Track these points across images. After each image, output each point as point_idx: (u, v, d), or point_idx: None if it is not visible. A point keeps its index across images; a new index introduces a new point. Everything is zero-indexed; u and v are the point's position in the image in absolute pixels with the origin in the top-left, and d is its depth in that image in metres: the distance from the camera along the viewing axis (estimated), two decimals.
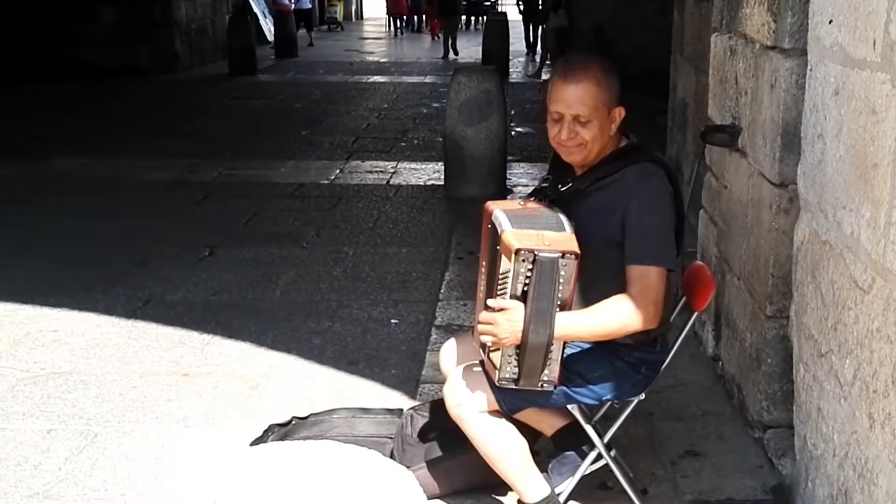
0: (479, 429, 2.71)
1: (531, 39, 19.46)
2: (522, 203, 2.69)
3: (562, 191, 2.69)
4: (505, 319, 2.47)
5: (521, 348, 2.49)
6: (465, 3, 29.93)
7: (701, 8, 5.42)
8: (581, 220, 2.58)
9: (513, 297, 2.48)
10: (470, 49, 20.29)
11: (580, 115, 2.57)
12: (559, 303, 2.46)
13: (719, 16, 4.05)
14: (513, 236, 2.45)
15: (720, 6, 4.03)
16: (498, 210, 2.61)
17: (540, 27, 17.57)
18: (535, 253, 2.41)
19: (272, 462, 2.11)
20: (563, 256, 2.42)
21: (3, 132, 10.20)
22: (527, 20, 19.55)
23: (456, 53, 20.44)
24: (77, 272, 5.48)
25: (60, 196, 7.37)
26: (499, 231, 2.51)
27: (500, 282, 2.51)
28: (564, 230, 2.51)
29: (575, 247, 2.45)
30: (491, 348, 2.58)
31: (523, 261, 2.42)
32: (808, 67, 2.78)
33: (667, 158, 4.80)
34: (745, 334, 3.55)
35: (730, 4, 3.85)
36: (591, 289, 2.55)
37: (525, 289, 2.45)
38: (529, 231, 2.47)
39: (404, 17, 29.29)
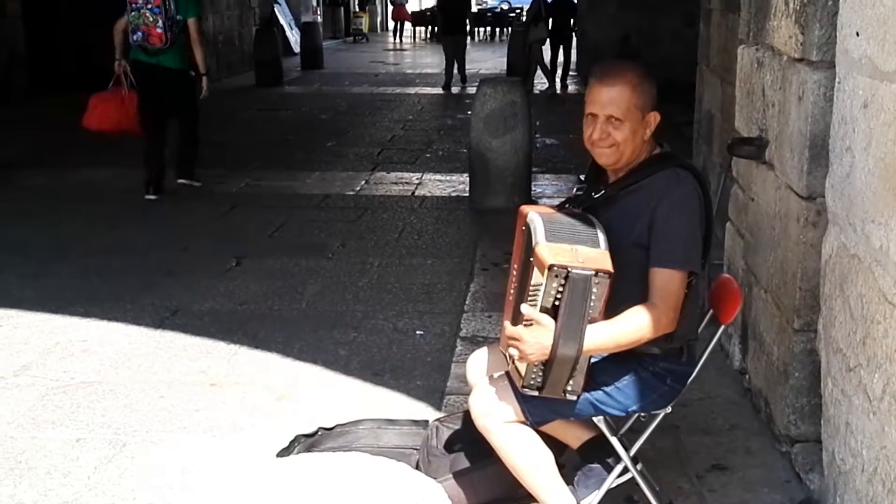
0: (504, 439, 2.71)
1: (556, 63, 17.01)
2: (557, 208, 2.69)
3: (595, 198, 2.71)
4: (532, 336, 2.47)
5: (547, 362, 2.49)
6: (488, 14, 30.07)
7: (728, 20, 5.41)
8: (610, 223, 2.60)
9: (543, 309, 2.48)
10: (495, 60, 20.23)
11: (613, 115, 2.61)
12: (589, 319, 2.46)
13: (746, 28, 4.04)
14: (547, 250, 2.45)
15: (747, 18, 4.03)
16: (533, 214, 2.62)
17: (561, 46, 16.56)
18: (569, 270, 2.41)
19: (302, 474, 2.12)
20: (596, 275, 2.42)
21: (33, 142, 10.34)
22: (554, 41, 16.83)
23: (464, 81, 16.41)
24: (105, 282, 5.54)
25: (89, 206, 7.45)
26: (533, 242, 2.51)
27: (530, 293, 2.50)
28: (599, 246, 2.51)
29: (609, 265, 2.44)
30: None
31: (556, 276, 2.42)
32: (837, 80, 2.76)
33: None
34: (772, 348, 3.53)
35: (757, 16, 3.84)
36: (617, 291, 2.55)
37: (556, 303, 2.45)
38: (563, 245, 2.47)
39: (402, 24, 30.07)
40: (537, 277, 2.47)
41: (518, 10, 30.45)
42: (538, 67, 15.90)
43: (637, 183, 2.66)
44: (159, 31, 7.14)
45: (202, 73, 7.62)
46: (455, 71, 16.27)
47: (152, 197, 7.49)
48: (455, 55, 16.22)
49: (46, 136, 10.78)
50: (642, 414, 2.82)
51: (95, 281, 5.56)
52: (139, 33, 7.20)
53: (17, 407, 3.90)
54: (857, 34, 2.54)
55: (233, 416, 3.85)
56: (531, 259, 2.50)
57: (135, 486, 3.30)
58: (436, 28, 17.24)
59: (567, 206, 2.78)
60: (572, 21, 16.21)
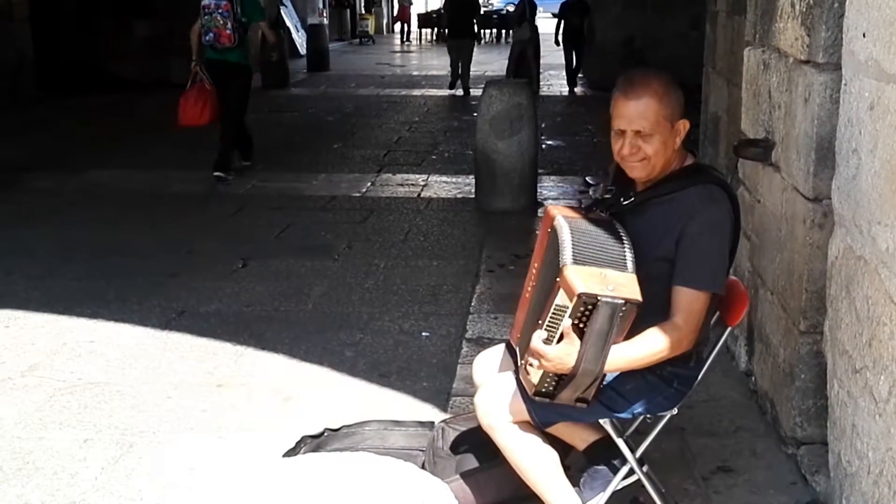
0: (509, 438, 2.72)
1: (573, 65, 16.26)
2: (584, 212, 2.68)
3: (624, 204, 2.69)
4: (555, 354, 2.46)
5: (565, 377, 2.49)
6: (495, 16, 30.08)
7: (734, 22, 5.41)
8: (637, 232, 2.58)
9: (565, 329, 2.46)
10: (500, 62, 20.22)
11: (641, 130, 2.57)
12: (612, 342, 2.45)
13: (752, 30, 4.04)
14: (576, 276, 2.42)
15: (753, 20, 4.03)
16: (561, 219, 2.59)
17: (575, 51, 15.90)
18: (598, 298, 2.39)
19: (309, 473, 2.12)
20: (625, 304, 2.40)
21: (41, 145, 10.38)
22: (568, 43, 16.19)
23: (467, 92, 15.25)
24: (112, 283, 5.55)
25: (96, 208, 7.48)
26: (560, 261, 2.48)
27: (554, 312, 2.48)
28: (626, 268, 2.48)
29: (637, 293, 2.42)
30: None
31: (584, 303, 2.40)
32: (843, 82, 2.77)
33: None
34: (778, 349, 3.53)
35: (763, 18, 3.84)
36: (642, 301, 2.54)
37: (580, 325, 2.44)
38: (593, 269, 2.44)
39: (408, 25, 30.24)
40: (563, 299, 2.45)
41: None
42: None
43: (669, 195, 2.63)
44: (228, 32, 8.14)
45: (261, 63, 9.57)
46: (459, 77, 15.64)
47: (247, 163, 8.93)
48: (459, 60, 15.42)
49: (53, 139, 10.83)
50: (648, 416, 2.83)
51: (102, 282, 5.58)
52: (211, 34, 8.18)
53: (24, 407, 3.92)
54: (864, 35, 2.54)
55: (239, 416, 3.86)
56: (557, 279, 2.47)
57: (142, 486, 3.31)
58: (444, 30, 15.76)
59: (595, 209, 2.74)
60: (585, 23, 15.88)
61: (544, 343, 2.49)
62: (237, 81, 8.42)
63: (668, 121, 2.58)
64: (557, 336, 2.48)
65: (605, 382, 2.62)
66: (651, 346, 2.53)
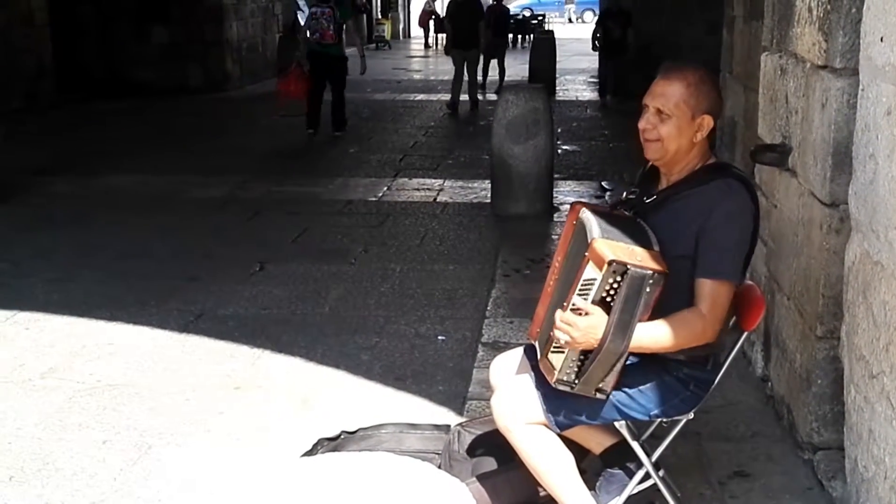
0: (526, 441, 2.72)
1: (610, 78, 14.74)
2: (609, 210, 2.73)
3: (646, 203, 2.72)
4: (586, 324, 2.48)
5: (591, 354, 2.51)
6: (511, 21, 30.09)
7: (751, 27, 5.41)
8: (658, 229, 2.61)
9: (594, 302, 2.49)
10: (517, 67, 20.20)
11: (661, 108, 2.62)
12: (639, 317, 2.48)
13: (769, 35, 4.04)
14: (606, 246, 2.47)
15: (770, 25, 4.03)
16: (587, 211, 2.64)
17: (614, 65, 14.33)
18: (628, 266, 2.43)
19: (327, 473, 2.14)
20: (653, 275, 2.44)
21: (59, 150, 10.46)
22: (606, 55, 14.73)
23: (475, 104, 14.00)
24: (131, 286, 5.59)
25: (114, 212, 7.53)
26: (588, 237, 2.53)
27: (582, 286, 2.51)
28: (653, 247, 2.54)
29: (664, 266, 2.47)
30: (554, 348, 2.58)
31: (614, 272, 2.44)
32: (860, 87, 2.77)
33: None
34: (794, 355, 3.52)
35: (780, 24, 3.84)
36: (662, 302, 2.55)
37: (608, 298, 2.47)
38: (620, 244, 2.49)
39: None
40: (591, 272, 2.48)
41: (541, 17, 30.43)
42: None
43: (689, 191, 2.66)
44: (331, 32, 10.73)
45: (361, 55, 12.06)
46: (465, 90, 13.92)
47: (311, 131, 11.19)
48: (466, 71, 13.83)
49: (72, 144, 10.91)
50: (664, 420, 2.83)
51: (121, 285, 5.62)
52: (317, 34, 10.74)
53: (44, 409, 3.96)
54: (882, 40, 2.54)
55: (256, 419, 3.89)
56: (586, 254, 2.51)
57: (160, 487, 3.34)
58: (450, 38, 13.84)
59: (618, 208, 2.78)
60: (628, 34, 14.37)
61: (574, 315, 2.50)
62: (338, 67, 11.11)
63: (689, 108, 2.62)
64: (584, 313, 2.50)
65: (621, 380, 2.62)
66: (675, 328, 2.54)
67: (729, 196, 2.62)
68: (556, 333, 2.53)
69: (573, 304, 2.51)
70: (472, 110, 13.90)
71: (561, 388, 2.59)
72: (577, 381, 2.56)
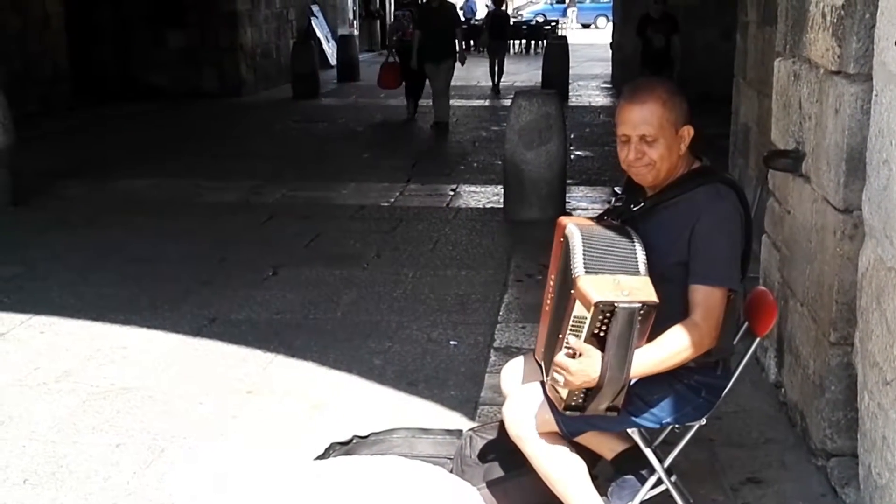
0: (537, 448, 2.72)
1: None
2: (596, 221, 2.71)
3: (634, 211, 2.71)
4: (577, 368, 2.47)
5: (592, 389, 2.50)
6: (524, 27, 30.10)
7: (764, 32, 5.40)
8: (649, 239, 2.60)
9: (588, 339, 2.47)
10: (530, 73, 20.19)
11: (646, 134, 2.60)
12: (634, 347, 2.46)
13: (783, 40, 4.03)
14: (590, 286, 2.43)
15: (784, 31, 4.02)
16: (572, 226, 2.61)
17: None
18: (615, 305, 2.40)
19: (340, 475, 2.15)
20: (642, 308, 2.41)
21: (75, 153, 10.53)
22: (650, 68, 11.50)
23: (441, 120, 12.53)
24: (145, 290, 5.62)
25: (128, 216, 7.57)
26: (572, 272, 2.50)
27: (573, 324, 2.49)
28: (639, 271, 2.50)
29: (653, 295, 2.44)
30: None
31: (602, 311, 2.41)
32: (874, 92, 2.76)
33: None
34: (808, 361, 3.51)
35: (794, 29, 3.84)
36: (659, 310, 2.55)
37: (601, 334, 2.45)
38: (605, 277, 2.46)
39: None
40: (580, 310, 2.46)
41: (553, 23, 30.44)
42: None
43: (676, 197, 2.66)
44: (410, 30, 12.99)
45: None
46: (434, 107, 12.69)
47: (412, 113, 13.49)
48: (431, 85, 12.53)
49: (87, 148, 10.98)
50: (676, 426, 2.82)
51: (135, 289, 5.65)
52: (400, 32, 13.66)
53: (58, 412, 3.98)
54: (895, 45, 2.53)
55: (269, 423, 3.90)
56: (572, 291, 2.49)
57: (173, 491, 3.35)
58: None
59: (606, 218, 2.77)
60: (673, 43, 11.82)
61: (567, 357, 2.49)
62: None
63: (672, 126, 2.61)
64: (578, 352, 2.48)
65: (632, 390, 2.62)
66: (673, 345, 2.53)
67: (717, 201, 2.61)
68: (554, 375, 2.53)
69: (567, 343, 2.51)
70: (437, 124, 12.49)
71: (570, 413, 2.58)
72: (586, 405, 2.55)
